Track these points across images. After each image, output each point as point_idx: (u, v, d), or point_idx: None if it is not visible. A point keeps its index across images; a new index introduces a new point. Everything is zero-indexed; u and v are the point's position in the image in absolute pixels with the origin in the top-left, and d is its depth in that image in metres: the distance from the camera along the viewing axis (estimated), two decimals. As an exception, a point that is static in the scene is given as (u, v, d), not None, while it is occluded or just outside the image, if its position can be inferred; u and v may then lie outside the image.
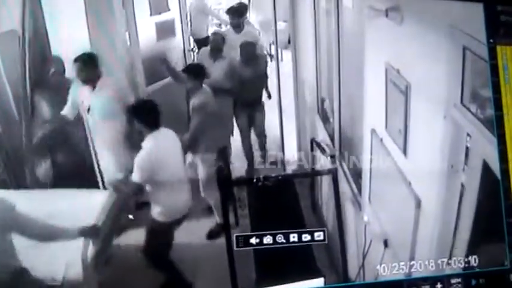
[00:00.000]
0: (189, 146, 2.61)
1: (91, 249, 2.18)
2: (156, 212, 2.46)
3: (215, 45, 2.89)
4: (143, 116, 2.41)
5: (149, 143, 2.41)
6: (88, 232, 2.18)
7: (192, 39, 3.00)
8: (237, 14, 3.01)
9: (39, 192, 2.46)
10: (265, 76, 3.03)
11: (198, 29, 3.12)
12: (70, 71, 2.43)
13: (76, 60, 2.37)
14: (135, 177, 2.40)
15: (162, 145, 2.43)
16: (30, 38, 2.27)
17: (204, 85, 2.65)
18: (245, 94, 2.96)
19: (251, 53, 2.94)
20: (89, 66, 2.40)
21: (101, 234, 2.24)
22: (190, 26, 3.03)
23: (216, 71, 2.85)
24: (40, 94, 2.39)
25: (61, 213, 2.20)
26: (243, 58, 2.93)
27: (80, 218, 2.22)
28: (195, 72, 2.64)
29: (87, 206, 2.32)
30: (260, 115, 2.99)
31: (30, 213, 2.09)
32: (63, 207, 2.25)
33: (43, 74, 2.39)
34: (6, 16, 2.13)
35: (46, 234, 2.09)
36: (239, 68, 2.92)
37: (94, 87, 2.46)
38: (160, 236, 2.46)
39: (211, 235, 2.62)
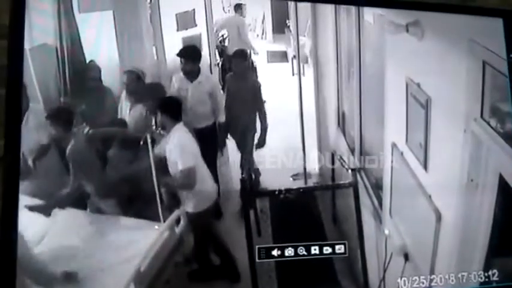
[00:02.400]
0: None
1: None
2: (189, 205, 2.50)
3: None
4: (169, 109, 2.50)
5: (177, 132, 2.46)
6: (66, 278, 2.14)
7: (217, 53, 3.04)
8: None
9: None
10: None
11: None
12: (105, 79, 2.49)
13: None
14: (182, 164, 2.41)
15: (185, 134, 2.48)
16: (68, 49, 2.34)
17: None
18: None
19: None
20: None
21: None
22: (222, 42, 3.08)
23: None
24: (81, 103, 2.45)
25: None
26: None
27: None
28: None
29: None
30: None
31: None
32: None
33: (82, 82, 2.45)
34: (39, 30, 2.19)
35: None
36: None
37: None
38: (200, 228, 2.49)
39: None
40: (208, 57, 2.92)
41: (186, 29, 2.81)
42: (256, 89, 2.81)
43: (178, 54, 2.63)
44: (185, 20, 2.79)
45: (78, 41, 2.39)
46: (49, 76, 2.31)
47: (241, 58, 2.86)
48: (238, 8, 3.07)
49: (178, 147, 2.42)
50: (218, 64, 3.00)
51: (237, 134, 2.85)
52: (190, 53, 2.67)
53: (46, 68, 2.29)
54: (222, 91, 2.83)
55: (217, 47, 3.00)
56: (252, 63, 3.03)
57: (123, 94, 2.55)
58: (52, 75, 2.33)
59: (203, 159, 2.48)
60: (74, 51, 2.39)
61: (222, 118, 2.78)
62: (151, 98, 2.51)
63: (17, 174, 1.83)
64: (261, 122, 2.85)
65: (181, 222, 2.40)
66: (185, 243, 2.41)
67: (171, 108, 2.50)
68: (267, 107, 2.94)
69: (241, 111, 2.85)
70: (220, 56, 3.00)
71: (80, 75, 2.44)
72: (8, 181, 1.82)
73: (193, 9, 2.80)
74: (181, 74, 2.67)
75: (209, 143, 2.66)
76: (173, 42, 2.74)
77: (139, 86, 2.54)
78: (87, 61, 2.44)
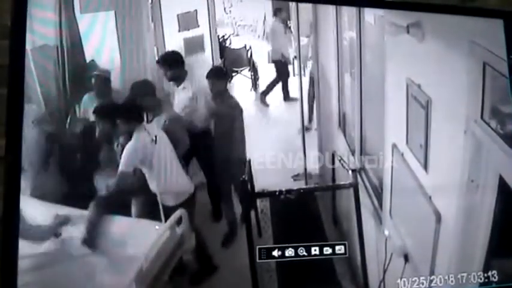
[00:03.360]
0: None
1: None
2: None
3: None
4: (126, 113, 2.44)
5: (134, 134, 2.39)
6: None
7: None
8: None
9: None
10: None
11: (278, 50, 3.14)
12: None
13: None
14: (123, 166, 2.37)
15: (140, 137, 2.40)
16: (69, 49, 2.34)
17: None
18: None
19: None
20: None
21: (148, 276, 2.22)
22: (223, 42, 3.07)
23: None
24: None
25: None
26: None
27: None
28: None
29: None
30: None
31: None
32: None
33: (82, 81, 2.45)
34: (39, 31, 2.20)
35: None
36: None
37: None
38: None
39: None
40: (210, 58, 2.92)
41: (188, 29, 2.81)
42: (234, 116, 2.70)
43: (157, 62, 2.60)
44: (187, 20, 2.79)
45: (79, 41, 2.39)
46: (50, 77, 2.32)
47: (216, 77, 2.73)
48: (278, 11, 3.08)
49: (125, 150, 2.39)
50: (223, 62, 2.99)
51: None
52: (169, 60, 2.61)
53: (47, 68, 2.30)
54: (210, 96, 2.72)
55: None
56: (254, 63, 3.04)
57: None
58: (53, 75, 2.34)
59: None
60: (75, 52, 2.39)
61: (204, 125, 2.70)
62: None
63: (18, 174, 1.84)
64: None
65: (183, 222, 2.40)
66: (186, 243, 2.42)
67: (118, 114, 2.43)
68: (267, 108, 2.95)
69: (222, 139, 2.71)
70: (221, 57, 3.00)
71: (80, 75, 2.45)
72: (9, 181, 1.83)
73: (196, 10, 2.79)
74: None
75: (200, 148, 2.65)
76: (175, 42, 2.74)
77: (107, 88, 2.53)
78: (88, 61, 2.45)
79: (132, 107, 2.44)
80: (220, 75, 2.78)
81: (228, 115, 2.68)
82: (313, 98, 3.08)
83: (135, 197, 2.45)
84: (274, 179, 2.51)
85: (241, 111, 2.67)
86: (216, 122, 2.69)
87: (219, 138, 2.69)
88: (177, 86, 2.66)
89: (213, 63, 2.92)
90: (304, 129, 2.96)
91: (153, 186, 2.40)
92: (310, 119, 3.03)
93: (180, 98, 2.66)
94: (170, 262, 2.34)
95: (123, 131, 2.39)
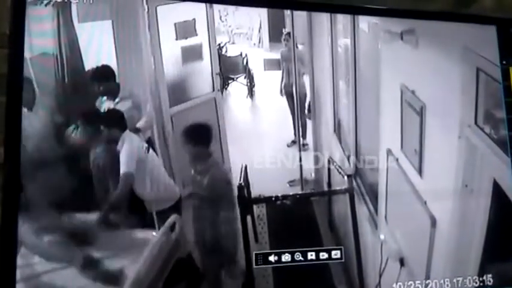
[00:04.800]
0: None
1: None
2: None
3: None
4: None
5: (126, 137, 2.38)
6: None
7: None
8: None
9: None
10: None
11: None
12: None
13: None
14: (125, 167, 2.35)
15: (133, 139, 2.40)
16: (67, 57, 2.35)
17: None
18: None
19: None
20: None
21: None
22: (220, 50, 3.06)
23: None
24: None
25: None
26: None
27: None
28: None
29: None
30: None
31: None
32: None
33: (80, 89, 2.45)
34: (38, 39, 2.20)
35: None
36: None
37: None
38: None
39: None
40: (210, 66, 2.92)
41: (186, 38, 2.81)
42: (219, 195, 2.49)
43: (91, 79, 2.40)
44: (185, 29, 2.79)
45: (78, 50, 2.40)
46: (49, 85, 2.32)
47: (196, 142, 2.48)
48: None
49: (122, 153, 2.36)
50: (218, 74, 3.00)
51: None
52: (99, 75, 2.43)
53: (46, 77, 2.30)
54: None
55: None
56: (249, 71, 3.05)
57: None
58: (52, 84, 2.34)
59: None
60: (73, 60, 2.40)
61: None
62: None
63: (17, 181, 1.85)
64: None
65: (176, 226, 2.41)
66: (181, 247, 2.43)
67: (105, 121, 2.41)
68: (264, 113, 2.96)
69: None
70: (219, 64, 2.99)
71: (79, 84, 2.45)
72: (7, 188, 1.84)
73: (194, 19, 2.79)
74: None
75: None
76: (171, 51, 2.74)
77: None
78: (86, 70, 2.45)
79: (116, 113, 2.40)
80: (201, 139, 2.50)
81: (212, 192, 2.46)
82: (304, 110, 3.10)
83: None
84: (270, 184, 2.53)
85: (229, 186, 2.46)
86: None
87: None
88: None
89: (212, 71, 2.92)
90: (301, 134, 2.97)
91: (141, 191, 2.41)
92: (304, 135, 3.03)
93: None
94: (166, 266, 2.35)
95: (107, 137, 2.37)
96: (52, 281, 2.08)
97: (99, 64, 2.47)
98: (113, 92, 2.51)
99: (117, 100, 2.52)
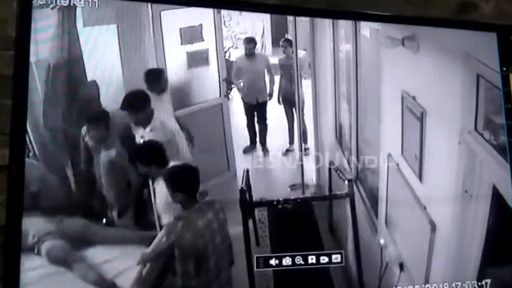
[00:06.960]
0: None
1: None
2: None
3: None
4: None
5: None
6: None
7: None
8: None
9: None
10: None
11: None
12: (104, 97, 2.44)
13: None
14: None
15: None
16: (70, 63, 2.35)
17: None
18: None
19: None
20: None
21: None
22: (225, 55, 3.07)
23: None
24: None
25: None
26: None
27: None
28: None
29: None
30: None
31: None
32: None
33: (79, 97, 2.45)
34: (42, 44, 2.21)
35: None
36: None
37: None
38: None
39: None
40: (217, 72, 2.93)
41: (192, 43, 2.79)
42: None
43: (122, 108, 2.37)
44: (191, 34, 2.78)
45: (80, 55, 2.40)
46: (53, 89, 2.33)
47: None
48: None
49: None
50: (225, 80, 3.00)
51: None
52: (132, 104, 2.41)
53: (50, 80, 2.31)
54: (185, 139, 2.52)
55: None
56: None
57: None
58: (56, 88, 2.35)
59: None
60: (76, 64, 2.40)
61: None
62: None
63: (22, 183, 1.86)
64: None
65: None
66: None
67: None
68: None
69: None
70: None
71: (80, 88, 2.45)
72: (12, 190, 1.85)
73: (201, 24, 2.79)
74: None
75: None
76: (177, 56, 2.74)
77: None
78: (88, 77, 2.44)
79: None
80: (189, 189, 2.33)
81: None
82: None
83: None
84: (272, 188, 2.54)
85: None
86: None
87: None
88: (144, 128, 2.46)
89: (219, 78, 2.91)
90: (303, 135, 2.98)
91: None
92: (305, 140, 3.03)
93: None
94: (168, 267, 2.36)
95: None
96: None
97: (103, 68, 2.48)
98: (142, 123, 2.45)
99: (149, 128, 2.45)
